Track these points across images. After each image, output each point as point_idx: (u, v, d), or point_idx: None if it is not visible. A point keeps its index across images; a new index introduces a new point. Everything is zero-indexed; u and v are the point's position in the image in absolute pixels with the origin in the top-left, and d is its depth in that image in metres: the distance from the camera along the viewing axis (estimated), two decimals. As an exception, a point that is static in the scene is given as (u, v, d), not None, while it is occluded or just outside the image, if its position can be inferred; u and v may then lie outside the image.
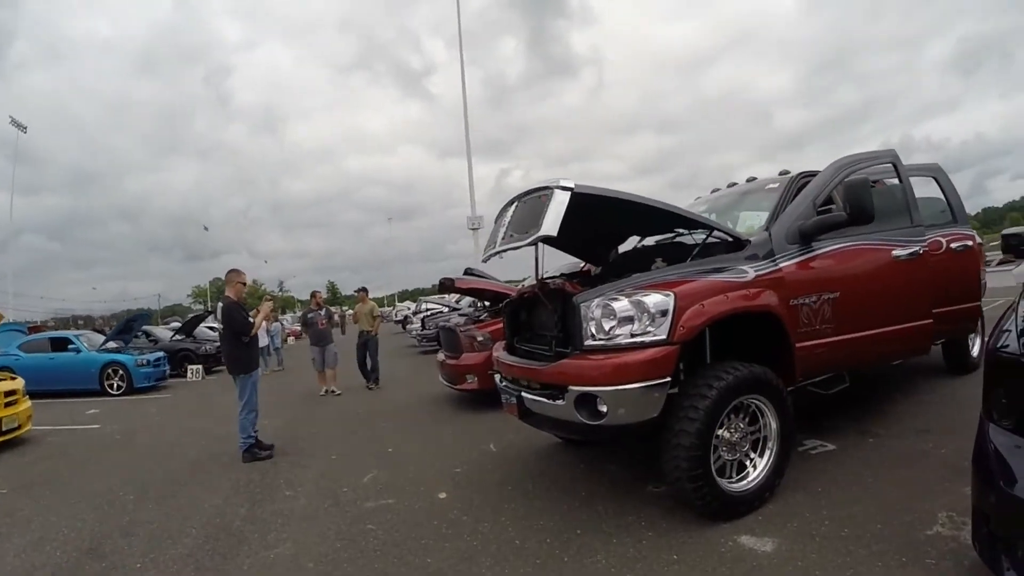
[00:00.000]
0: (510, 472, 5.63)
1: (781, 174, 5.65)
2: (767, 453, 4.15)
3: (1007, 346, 2.48)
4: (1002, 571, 2.27)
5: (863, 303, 4.74)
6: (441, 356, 9.41)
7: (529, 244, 4.13)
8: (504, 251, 4.39)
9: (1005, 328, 2.63)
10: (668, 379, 3.74)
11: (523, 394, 4.41)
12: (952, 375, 7.08)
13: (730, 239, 4.55)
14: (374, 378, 11.69)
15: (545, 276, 5.01)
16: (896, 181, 5.47)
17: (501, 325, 7.97)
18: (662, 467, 3.91)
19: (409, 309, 27.77)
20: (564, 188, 3.89)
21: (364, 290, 12.47)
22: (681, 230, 5.26)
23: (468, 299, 17.66)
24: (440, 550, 4.08)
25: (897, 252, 5.05)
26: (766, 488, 4.09)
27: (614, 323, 3.80)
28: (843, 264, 4.70)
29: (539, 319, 4.91)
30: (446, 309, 16.87)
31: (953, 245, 5.64)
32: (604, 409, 3.72)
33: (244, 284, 7.42)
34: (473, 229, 28.07)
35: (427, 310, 18.21)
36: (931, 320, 5.23)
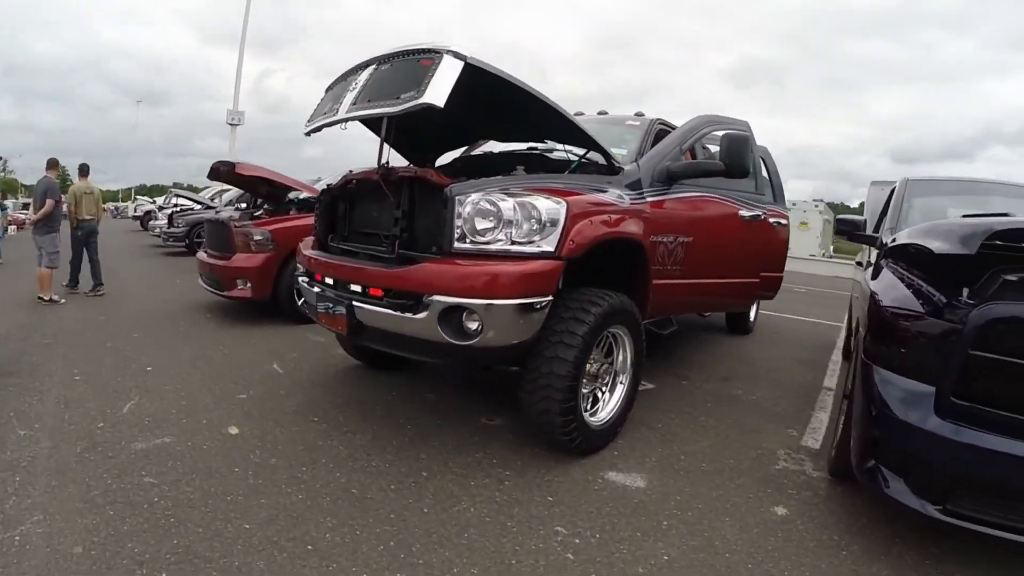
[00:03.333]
0: (309, 399, 4.57)
1: (637, 115, 5.55)
2: (619, 386, 3.94)
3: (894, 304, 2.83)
4: (885, 490, 2.55)
5: (710, 252, 4.86)
6: (203, 255, 7.58)
7: (401, 112, 3.18)
8: (350, 119, 3.57)
9: (890, 286, 3.02)
10: (551, 298, 3.26)
11: (356, 303, 3.49)
12: (732, 335, 7.85)
13: (603, 162, 4.25)
14: (97, 282, 8.79)
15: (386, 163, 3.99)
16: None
17: (284, 224, 6.84)
18: (526, 398, 3.43)
19: (153, 203, 23.93)
20: (456, 55, 3.14)
21: (85, 169, 9.01)
22: (546, 144, 4.83)
23: (229, 195, 15.56)
24: (256, 509, 2.94)
25: (743, 212, 5.34)
26: (619, 423, 3.91)
27: (494, 225, 3.20)
28: (699, 212, 4.79)
29: (370, 214, 4.06)
30: (197, 206, 14.58)
31: (772, 220, 5.99)
32: (475, 327, 3.11)
33: None
34: (232, 125, 25.30)
35: (175, 205, 15.38)
36: (758, 280, 5.74)
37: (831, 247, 32.44)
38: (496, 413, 4.32)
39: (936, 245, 2.83)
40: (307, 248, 4.41)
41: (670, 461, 3.69)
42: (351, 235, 4.22)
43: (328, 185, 4.45)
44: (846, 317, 7.65)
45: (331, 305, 3.68)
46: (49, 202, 7.67)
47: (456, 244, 3.25)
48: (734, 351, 6.93)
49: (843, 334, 7.80)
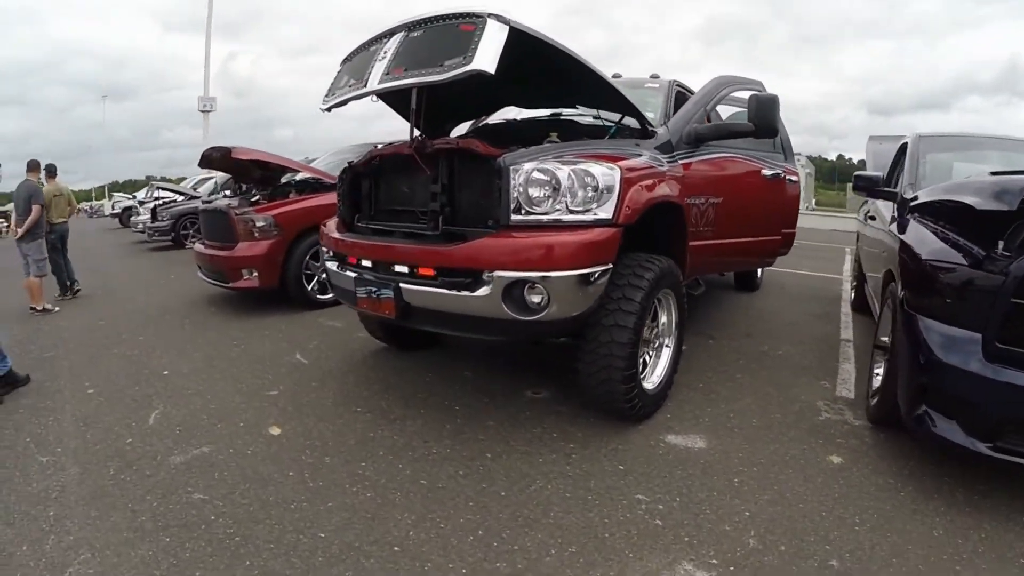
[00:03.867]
0: (345, 389, 4.31)
1: (652, 77, 5.50)
2: (665, 350, 3.90)
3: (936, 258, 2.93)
4: (937, 433, 2.69)
5: (738, 212, 4.81)
6: (200, 247, 7.16)
7: (448, 80, 2.96)
8: (383, 91, 3.37)
9: (926, 240, 3.18)
10: (611, 266, 3.18)
11: (403, 285, 3.31)
12: (740, 292, 7.73)
13: (636, 126, 4.16)
14: (74, 284, 8.27)
15: (420, 135, 3.74)
16: None
17: (287, 207, 6.45)
18: (586, 368, 3.34)
19: (133, 198, 23.09)
20: (500, 19, 2.97)
21: (52, 169, 8.32)
22: (575, 110, 4.69)
23: (210, 184, 14.99)
24: (325, 515, 2.70)
25: (765, 171, 5.32)
26: (668, 385, 3.88)
27: (550, 195, 3.10)
28: (726, 172, 4.76)
29: (399, 190, 3.88)
30: (180, 197, 13.96)
31: (787, 177, 5.89)
32: (539, 300, 2.99)
33: None
34: (205, 111, 24.55)
35: (157, 199, 14.72)
36: (780, 237, 5.72)
37: (813, 200, 32.52)
38: (540, 386, 4.19)
39: (975, 201, 2.91)
40: (334, 230, 4.13)
41: (721, 420, 3.68)
42: (378, 214, 4.00)
43: (350, 163, 4.17)
44: (851, 270, 7.59)
45: (374, 289, 3.47)
46: (35, 207, 7.13)
47: (515, 216, 3.09)
48: (748, 308, 6.88)
49: (849, 287, 7.85)
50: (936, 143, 5.02)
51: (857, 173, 5.05)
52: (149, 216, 13.34)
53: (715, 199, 4.37)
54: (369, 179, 4.06)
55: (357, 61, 3.64)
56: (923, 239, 3.21)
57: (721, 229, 4.52)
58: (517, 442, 3.36)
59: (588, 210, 3.09)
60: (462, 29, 3.03)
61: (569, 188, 3.07)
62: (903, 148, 5.20)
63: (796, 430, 3.56)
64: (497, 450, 3.27)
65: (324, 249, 4.23)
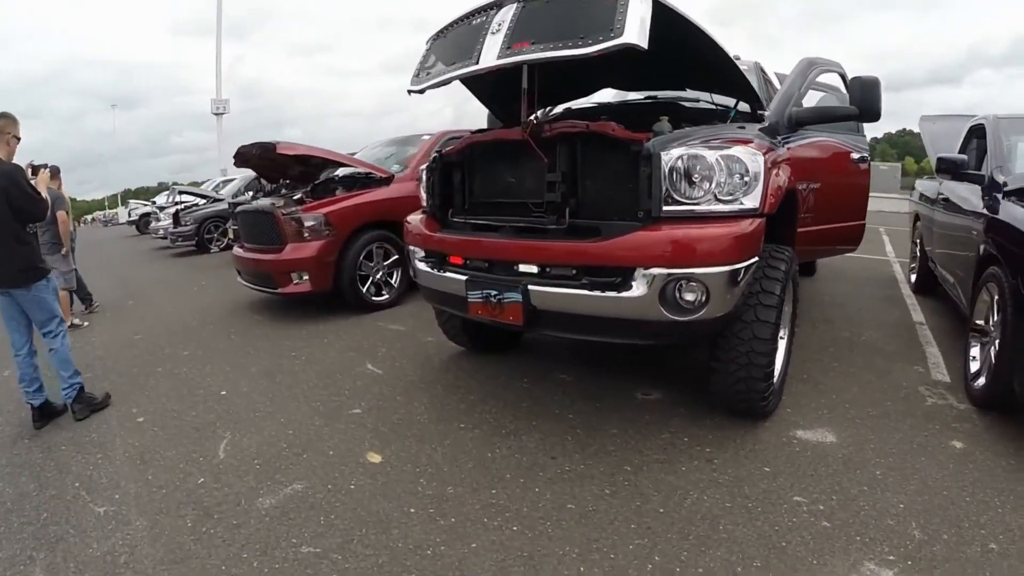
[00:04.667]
0: (437, 402, 3.83)
1: (735, 58, 5.01)
2: (781, 342, 3.50)
3: None
4: None
5: (833, 197, 4.69)
6: (239, 251, 6.59)
7: (594, 54, 2.60)
8: (507, 66, 2.88)
9: None
10: (757, 260, 2.93)
11: (533, 287, 2.94)
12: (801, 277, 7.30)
13: (748, 110, 3.88)
14: (88, 296, 7.59)
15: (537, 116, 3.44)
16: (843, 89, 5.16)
17: (337, 205, 5.90)
18: (724, 367, 3.10)
19: (152, 204, 22.46)
20: None
21: (56, 172, 6.57)
22: (676, 93, 4.37)
23: (234, 185, 14.33)
24: (472, 559, 2.26)
25: (854, 155, 5.21)
26: (784, 377, 3.61)
27: (701, 183, 2.78)
28: (823, 156, 4.67)
29: (502, 180, 3.48)
30: (201, 201, 13.32)
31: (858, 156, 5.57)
32: (696, 299, 2.70)
33: (18, 138, 3.95)
34: (218, 114, 23.99)
35: (179, 203, 14.08)
36: (864, 221, 5.54)
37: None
38: (647, 387, 3.88)
39: None
40: (424, 227, 3.71)
41: (839, 411, 3.52)
42: (474, 208, 3.60)
43: (439, 152, 3.74)
44: (910, 252, 7.33)
45: (495, 292, 3.06)
46: (60, 215, 6.43)
47: (667, 207, 2.77)
48: (814, 294, 6.55)
49: (904, 269, 7.67)
50: (1016, 125, 4.83)
51: (940, 156, 4.85)
52: (171, 221, 12.71)
53: (814, 184, 4.19)
54: (463, 169, 3.63)
55: (456, 37, 3.25)
56: None
57: (819, 215, 4.37)
58: (650, 450, 3.06)
59: (735, 199, 2.80)
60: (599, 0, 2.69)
61: (719, 175, 2.76)
62: (975, 130, 5.18)
63: (912, 417, 3.44)
64: (635, 462, 2.96)
65: (413, 249, 3.79)
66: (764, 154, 2.90)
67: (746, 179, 2.80)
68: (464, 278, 3.23)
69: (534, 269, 3.00)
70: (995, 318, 3.39)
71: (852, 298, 6.41)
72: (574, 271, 2.87)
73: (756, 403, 3.20)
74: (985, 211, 3.93)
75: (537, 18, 2.87)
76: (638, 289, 2.68)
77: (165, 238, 13.13)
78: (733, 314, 2.90)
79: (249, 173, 13.52)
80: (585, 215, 3.04)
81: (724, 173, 2.76)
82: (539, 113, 4.10)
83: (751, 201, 2.82)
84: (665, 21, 2.78)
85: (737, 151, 2.81)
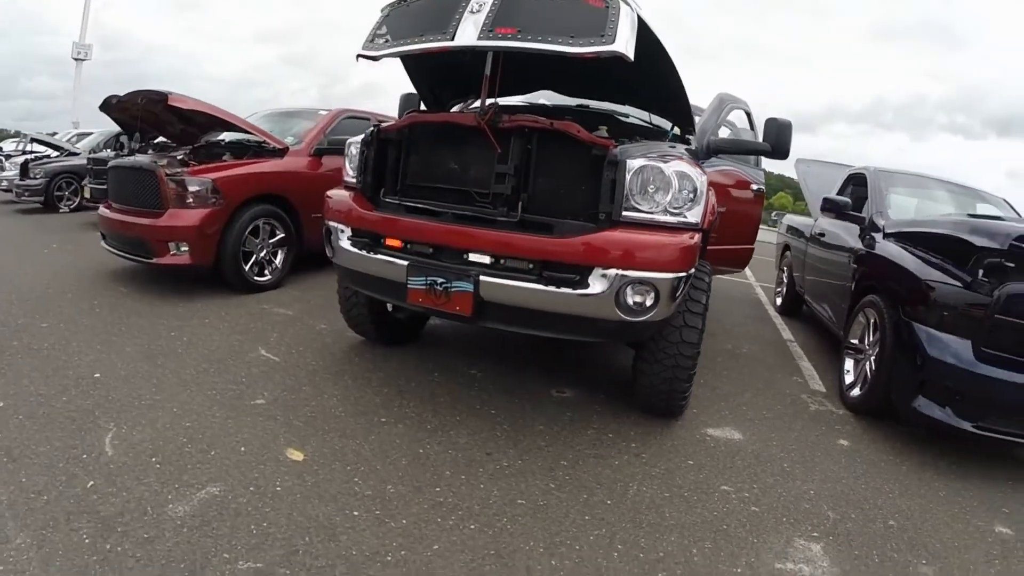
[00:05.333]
0: (348, 393, 3.60)
1: None
2: None
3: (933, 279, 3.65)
4: (934, 417, 3.44)
5: (733, 221, 5.13)
6: (107, 211, 5.73)
7: (584, 55, 2.71)
8: (490, 49, 2.99)
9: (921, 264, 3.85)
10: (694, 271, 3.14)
11: (485, 278, 2.90)
12: None
13: (674, 131, 4.30)
14: None
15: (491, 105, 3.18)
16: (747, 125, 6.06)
17: (229, 171, 5.44)
18: (651, 368, 3.32)
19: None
20: (627, 4, 2.82)
21: None
22: (611, 106, 4.56)
23: (92, 139, 12.83)
24: (442, 564, 2.17)
25: (753, 185, 5.80)
26: None
27: (655, 193, 2.93)
28: (729, 184, 5.29)
29: (445, 165, 3.38)
30: (55, 153, 11.78)
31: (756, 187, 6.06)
32: (646, 302, 2.83)
33: None
34: (79, 60, 21.43)
35: (29, 152, 12.31)
36: (753, 246, 6.06)
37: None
38: (558, 384, 4.02)
39: (974, 238, 3.49)
40: (355, 204, 3.47)
41: (739, 413, 3.95)
42: (408, 190, 3.48)
43: (376, 125, 3.59)
44: (781, 277, 8.36)
45: (442, 280, 2.96)
46: None
47: (626, 213, 2.89)
48: None
49: (776, 292, 8.62)
50: (893, 179, 5.69)
51: (826, 197, 5.57)
52: (17, 172, 11.11)
53: (720, 208, 4.33)
54: (399, 148, 3.48)
55: (422, 8, 3.16)
56: (915, 261, 3.89)
57: (721, 236, 4.73)
58: (581, 445, 3.21)
59: (681, 212, 2.94)
60: (589, 4, 2.80)
61: (674, 189, 2.90)
62: (854, 178, 6.08)
63: (801, 420, 4.00)
64: (569, 456, 3.08)
65: (336, 227, 3.51)
66: (704, 174, 3.05)
67: (692, 195, 2.94)
68: (405, 263, 3.06)
69: (486, 259, 2.94)
70: (871, 337, 4.10)
71: (727, 314, 7.05)
72: (531, 265, 2.86)
73: (676, 403, 3.46)
74: (864, 248, 4.74)
75: (521, 5, 2.87)
76: (595, 287, 2.76)
77: (9, 191, 11.44)
78: (668, 319, 3.08)
79: (110, 128, 12.24)
80: (532, 210, 3.04)
81: (676, 187, 2.89)
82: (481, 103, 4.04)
83: (694, 216, 2.96)
84: (640, 38, 2.85)
85: (687, 168, 2.94)
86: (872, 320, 4.10)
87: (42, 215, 10.25)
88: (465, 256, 3.00)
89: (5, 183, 11.31)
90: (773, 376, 4.74)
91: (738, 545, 2.50)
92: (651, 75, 3.55)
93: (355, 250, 3.34)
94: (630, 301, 2.80)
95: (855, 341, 4.37)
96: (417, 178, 3.44)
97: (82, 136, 13.36)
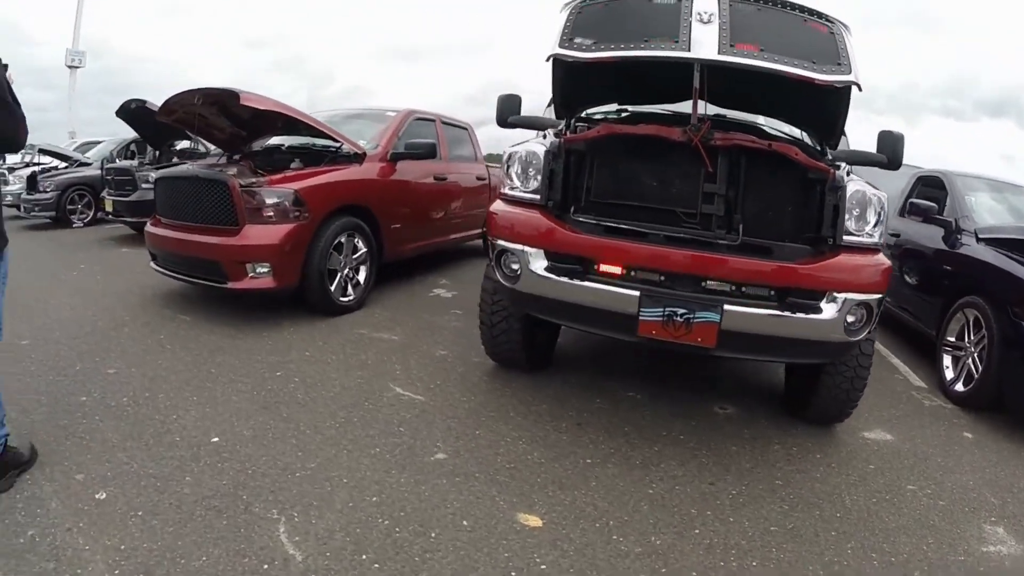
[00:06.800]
0: (524, 432, 3.20)
1: None
2: None
3: None
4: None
5: None
6: (157, 229, 4.87)
7: (826, 84, 2.77)
8: (731, 65, 2.77)
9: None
10: None
11: (729, 307, 2.73)
12: None
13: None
14: None
15: (703, 117, 3.05)
16: None
17: (309, 180, 4.69)
18: (834, 380, 3.21)
19: (1, 163, 18.26)
20: (847, 31, 2.97)
21: None
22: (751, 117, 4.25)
23: (101, 148, 11.80)
24: None
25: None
26: None
27: (867, 216, 2.91)
28: None
29: (642, 182, 3.17)
30: (62, 164, 10.70)
31: None
32: (860, 321, 2.81)
33: None
34: (73, 67, 20.02)
35: (36, 164, 11.19)
36: None
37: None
38: (720, 401, 3.80)
39: None
40: (547, 222, 3.06)
41: (874, 414, 3.83)
42: (591, 207, 3.20)
43: (564, 136, 3.21)
44: None
45: (683, 312, 2.74)
46: None
47: (847, 237, 2.88)
48: None
49: None
50: (970, 183, 5.59)
51: (912, 200, 5.46)
52: (24, 186, 10.03)
53: None
54: (584, 161, 3.20)
55: (629, 11, 3.03)
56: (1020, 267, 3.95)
57: None
58: (779, 462, 3.13)
59: (875, 233, 2.92)
60: (812, 27, 2.89)
61: (875, 211, 2.89)
62: (926, 180, 5.91)
63: (924, 416, 3.99)
64: (778, 476, 3.00)
65: (519, 248, 3.04)
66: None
67: (881, 217, 2.91)
68: (636, 293, 2.76)
69: (726, 287, 2.80)
70: (971, 336, 4.15)
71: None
72: (772, 292, 2.77)
73: (848, 410, 3.37)
74: (954, 250, 4.79)
75: (753, 22, 2.82)
76: (827, 312, 2.72)
77: (15, 206, 10.32)
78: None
79: (121, 136, 11.28)
80: (750, 233, 2.95)
81: (876, 209, 2.89)
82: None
83: (879, 236, 2.92)
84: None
85: (879, 191, 2.91)
86: (972, 319, 4.17)
87: (55, 231, 9.21)
88: (704, 284, 2.81)
89: (10, 198, 10.23)
90: (879, 374, 4.31)
91: (949, 536, 2.63)
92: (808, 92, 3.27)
93: (555, 277, 2.91)
94: (852, 322, 2.77)
95: (953, 339, 4.42)
96: (605, 194, 3.14)
97: (89, 145, 12.36)
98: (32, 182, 9.57)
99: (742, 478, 2.88)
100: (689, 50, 2.73)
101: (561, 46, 2.93)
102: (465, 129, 7.38)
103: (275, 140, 6.04)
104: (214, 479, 2.59)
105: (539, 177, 3.08)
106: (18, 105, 2.31)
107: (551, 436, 3.12)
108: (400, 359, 4.07)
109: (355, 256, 5.05)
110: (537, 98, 4.30)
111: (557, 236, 2.97)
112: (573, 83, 3.77)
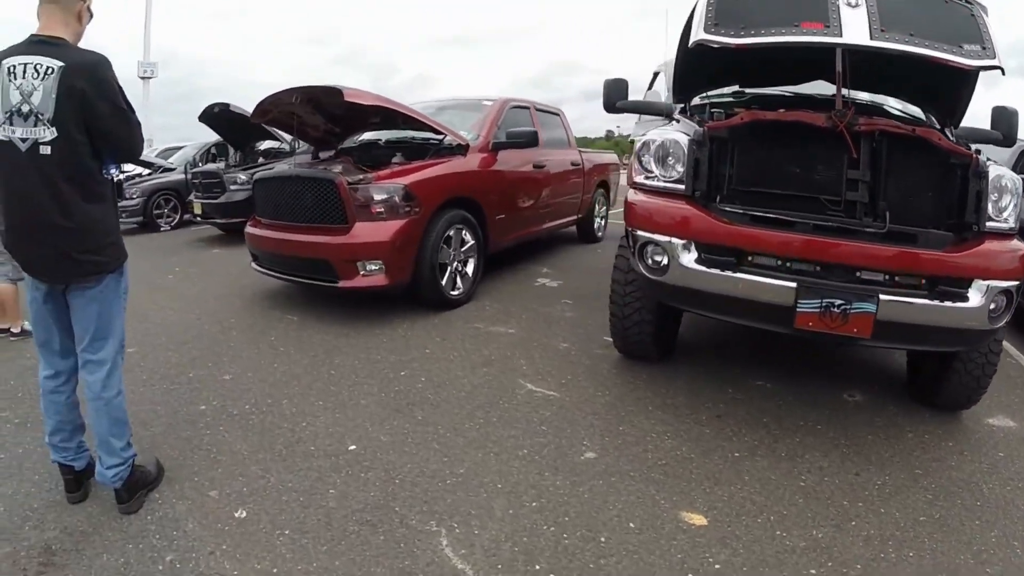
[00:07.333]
0: (665, 424, 3.10)
1: None
2: None
3: None
4: None
5: None
6: (259, 229, 4.88)
7: (972, 68, 2.75)
8: (885, 51, 2.71)
9: None
10: None
11: (884, 297, 2.65)
12: None
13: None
14: None
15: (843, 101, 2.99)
16: None
17: (418, 174, 4.53)
18: (967, 367, 3.06)
19: (118, 174, 19.05)
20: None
21: None
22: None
23: (185, 153, 12.09)
24: None
25: None
26: None
27: (1003, 201, 2.79)
28: None
29: (783, 168, 3.04)
30: (145, 171, 10.96)
31: None
32: (1001, 307, 2.73)
33: (91, 12, 2.29)
34: (145, 78, 20.60)
35: (121, 172, 11.66)
36: None
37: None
38: (848, 388, 3.61)
39: None
40: (693, 213, 2.95)
41: (994, 398, 3.51)
42: (733, 194, 3.08)
43: (705, 123, 3.11)
44: None
45: (839, 302, 2.67)
46: None
47: (990, 223, 2.79)
48: None
49: None
50: None
51: None
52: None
53: None
54: (729, 147, 3.07)
55: None
56: None
57: None
58: (915, 451, 2.99)
59: (1009, 219, 2.82)
60: (954, 8, 2.86)
61: (1014, 195, 2.81)
62: None
63: None
64: (917, 465, 2.87)
65: (665, 239, 2.94)
66: None
67: (1017, 201, 2.82)
68: (793, 284, 2.69)
69: (879, 276, 2.75)
70: None
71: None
72: (923, 280, 2.73)
73: (976, 397, 3.24)
74: None
75: (897, 4, 2.78)
76: (974, 300, 2.67)
77: None
78: None
79: (203, 140, 11.51)
80: (894, 220, 2.86)
81: (1013, 195, 2.79)
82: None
83: (1015, 221, 2.81)
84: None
85: (1016, 177, 2.81)
86: None
87: (143, 236, 9.48)
88: (858, 274, 2.76)
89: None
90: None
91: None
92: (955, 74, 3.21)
93: (707, 269, 2.84)
94: (994, 309, 2.71)
95: None
96: (748, 182, 3.03)
97: (170, 151, 12.68)
98: (119, 189, 9.79)
99: (884, 468, 2.80)
100: (841, 35, 2.70)
101: (707, 31, 2.86)
102: (557, 115, 7.19)
103: (368, 135, 5.92)
104: (360, 491, 2.48)
105: (681, 166, 2.99)
106: (132, 111, 2.25)
107: (694, 430, 3.03)
108: (524, 353, 3.94)
109: (463, 249, 4.93)
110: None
111: (710, 227, 2.87)
112: (699, 66, 3.71)
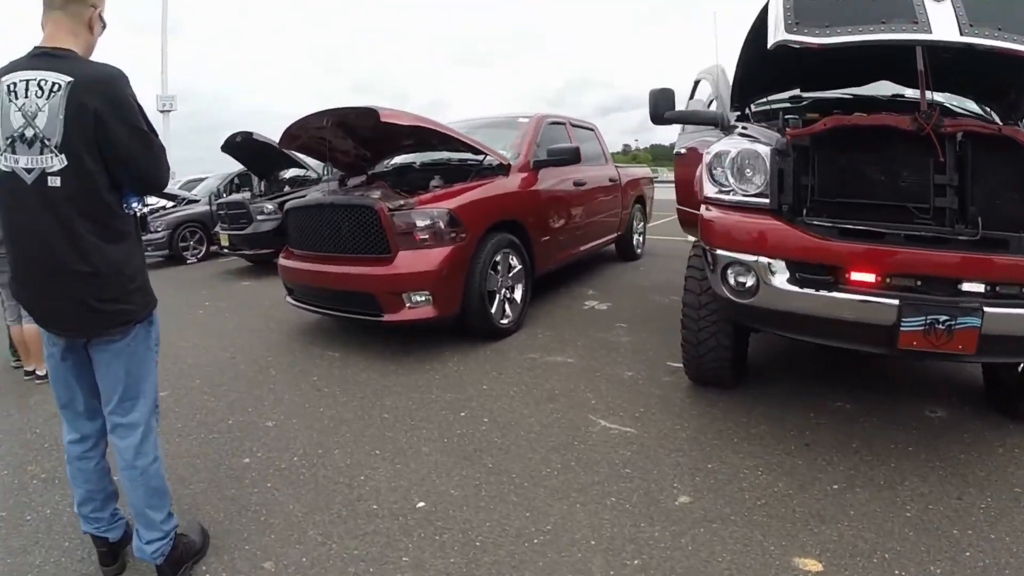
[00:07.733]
0: (754, 459, 2.87)
1: None
2: None
3: None
4: None
5: None
6: (292, 261, 4.68)
7: None
8: (979, 47, 2.47)
9: None
10: None
11: (989, 310, 2.44)
12: None
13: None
14: None
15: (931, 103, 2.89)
16: None
17: (462, 197, 4.31)
18: None
19: (141, 208, 19.06)
20: None
21: None
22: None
23: (208, 184, 11.96)
24: None
25: None
26: None
27: None
28: None
29: (865, 175, 2.83)
30: (169, 204, 10.88)
31: None
32: None
33: (104, 23, 2.01)
34: (164, 111, 21.04)
35: (145, 206, 11.61)
36: None
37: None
38: (928, 405, 3.40)
39: None
40: (780, 228, 2.75)
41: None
42: (817, 206, 2.86)
43: (787, 131, 2.87)
44: None
45: (944, 318, 2.50)
46: None
47: None
48: None
49: None
50: None
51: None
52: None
53: None
54: (810, 156, 2.87)
55: None
56: None
57: None
58: (1008, 467, 2.80)
59: None
60: None
61: None
62: None
63: None
64: (1014, 484, 2.67)
65: (752, 259, 2.76)
66: None
67: None
68: (895, 302, 2.52)
69: (980, 288, 2.57)
70: None
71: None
72: (1021, 289, 2.56)
73: None
74: None
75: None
76: None
77: None
78: None
79: (222, 170, 11.41)
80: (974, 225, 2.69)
81: None
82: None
83: None
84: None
85: None
86: None
87: (169, 269, 9.36)
88: (958, 287, 2.59)
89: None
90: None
91: None
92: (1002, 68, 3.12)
93: (802, 289, 2.65)
94: None
95: None
96: (831, 193, 2.83)
97: (193, 183, 12.62)
98: (143, 223, 9.69)
99: (984, 489, 2.65)
100: (930, 31, 2.52)
101: (788, 31, 2.66)
102: (591, 130, 7.00)
103: (400, 159, 5.72)
104: (438, 557, 2.23)
105: (761, 178, 2.81)
106: (155, 134, 1.98)
107: (786, 462, 2.82)
108: (589, 385, 3.71)
109: (510, 274, 4.72)
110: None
111: (802, 243, 2.68)
112: (760, 71, 3.55)
